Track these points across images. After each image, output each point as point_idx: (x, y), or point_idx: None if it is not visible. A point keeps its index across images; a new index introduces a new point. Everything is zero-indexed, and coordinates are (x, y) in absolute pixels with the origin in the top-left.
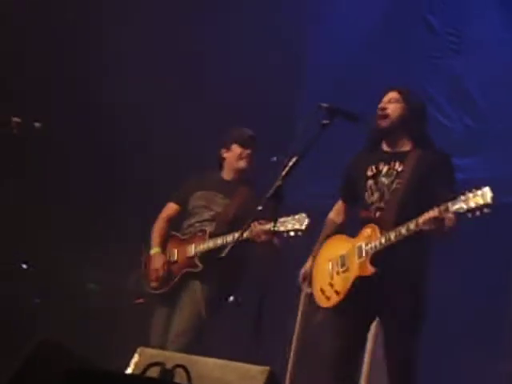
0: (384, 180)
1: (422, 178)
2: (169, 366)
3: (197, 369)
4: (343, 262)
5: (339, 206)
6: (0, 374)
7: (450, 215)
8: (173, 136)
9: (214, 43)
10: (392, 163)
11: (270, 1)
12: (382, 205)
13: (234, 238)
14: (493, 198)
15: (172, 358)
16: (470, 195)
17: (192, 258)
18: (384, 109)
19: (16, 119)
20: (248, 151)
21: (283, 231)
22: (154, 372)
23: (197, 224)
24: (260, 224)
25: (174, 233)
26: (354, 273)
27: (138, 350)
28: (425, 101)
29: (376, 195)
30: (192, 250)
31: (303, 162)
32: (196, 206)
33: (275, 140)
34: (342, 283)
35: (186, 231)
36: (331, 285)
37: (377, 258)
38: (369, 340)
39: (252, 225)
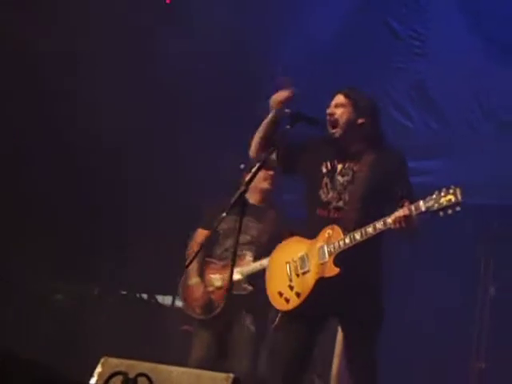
0: (340, 179)
1: (379, 179)
2: (132, 375)
3: (160, 377)
4: (303, 263)
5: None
6: None
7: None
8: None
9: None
10: (347, 163)
11: (236, 4)
12: (340, 204)
13: None
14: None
15: (135, 366)
16: (442, 194)
17: (239, 281)
18: (332, 114)
19: None
20: (270, 173)
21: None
22: (116, 381)
23: (231, 248)
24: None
25: (208, 259)
26: (315, 274)
27: (102, 359)
28: (374, 97)
29: (332, 194)
30: (238, 273)
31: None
32: (226, 230)
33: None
34: (303, 285)
35: (222, 256)
36: (291, 287)
37: (339, 258)
38: (337, 342)
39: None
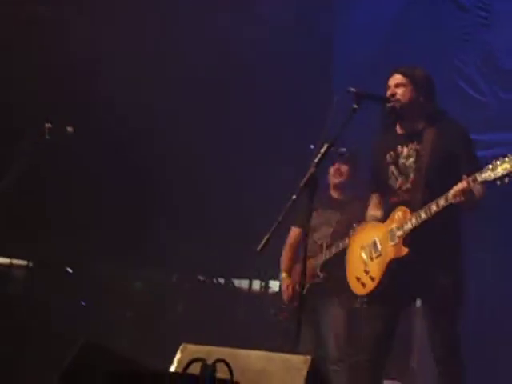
0: (405, 162)
1: (442, 154)
2: (210, 361)
3: (239, 362)
4: (376, 247)
5: (374, 199)
6: (45, 377)
7: (478, 186)
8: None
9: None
10: (410, 144)
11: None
12: (408, 186)
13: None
14: None
15: (214, 352)
16: (498, 163)
17: (314, 270)
18: (393, 94)
19: (48, 125)
20: (336, 167)
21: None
22: (196, 367)
23: (318, 241)
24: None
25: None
26: (387, 256)
27: (181, 346)
28: (444, 83)
29: (400, 179)
30: (313, 263)
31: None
32: (316, 225)
33: (309, 127)
34: (377, 268)
35: (310, 249)
36: (366, 271)
37: (410, 238)
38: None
39: None
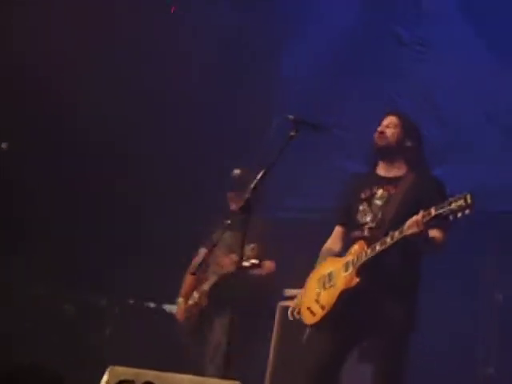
0: (378, 202)
1: (413, 201)
2: (138, 383)
3: None
4: (330, 278)
5: (336, 232)
6: None
7: (435, 230)
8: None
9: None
10: (386, 187)
11: (246, 15)
12: (373, 225)
13: None
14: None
15: (142, 375)
16: (452, 199)
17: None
18: (382, 132)
19: None
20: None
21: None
22: None
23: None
24: None
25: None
26: (339, 287)
27: (108, 368)
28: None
29: (369, 217)
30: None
31: (280, 177)
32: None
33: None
34: (328, 298)
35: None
36: (317, 301)
37: (364, 269)
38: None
39: None
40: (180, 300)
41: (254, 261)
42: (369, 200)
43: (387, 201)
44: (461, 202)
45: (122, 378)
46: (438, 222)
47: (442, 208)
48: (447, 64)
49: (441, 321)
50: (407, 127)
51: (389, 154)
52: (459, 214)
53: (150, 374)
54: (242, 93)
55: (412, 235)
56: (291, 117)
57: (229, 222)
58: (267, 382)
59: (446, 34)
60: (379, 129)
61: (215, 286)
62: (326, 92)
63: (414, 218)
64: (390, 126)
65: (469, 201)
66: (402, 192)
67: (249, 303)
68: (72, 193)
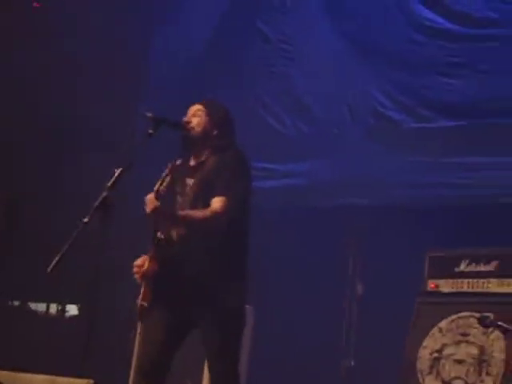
0: (189, 192)
1: (204, 183)
2: None
3: None
4: None
5: None
6: None
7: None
8: None
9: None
10: (194, 175)
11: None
12: None
13: None
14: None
15: None
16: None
17: None
18: (188, 122)
19: None
20: None
21: None
22: None
23: None
24: None
25: None
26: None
27: None
28: (248, 114)
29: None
30: None
31: (144, 175)
32: None
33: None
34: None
35: None
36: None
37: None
38: None
39: None
40: None
41: None
42: (182, 192)
43: (194, 188)
44: (169, 166)
45: None
46: None
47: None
48: (311, 62)
49: (302, 312)
50: (214, 115)
51: (194, 144)
52: (161, 185)
53: (3, 374)
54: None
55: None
56: (150, 114)
57: (86, 220)
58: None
59: (309, 32)
60: (185, 118)
61: None
62: (190, 91)
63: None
64: (196, 114)
65: (166, 171)
66: (203, 174)
67: None
68: None
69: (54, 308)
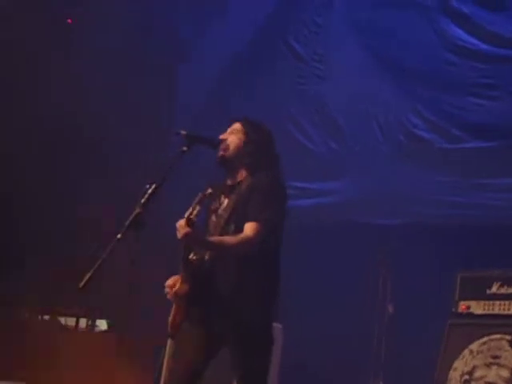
0: (222, 213)
1: (242, 200)
2: None
3: None
4: None
5: None
6: None
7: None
8: None
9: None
10: (230, 195)
11: (143, 16)
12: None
13: None
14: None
15: None
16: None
17: None
18: (224, 140)
19: None
20: None
21: None
22: None
23: None
24: None
25: None
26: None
27: None
28: (278, 131)
29: (215, 228)
30: None
31: (177, 191)
32: None
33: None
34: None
35: None
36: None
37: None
38: None
39: None
40: None
41: None
42: (216, 211)
43: (227, 209)
44: (200, 195)
45: None
46: None
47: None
48: (343, 80)
49: (331, 331)
50: (249, 132)
51: (230, 163)
52: (193, 213)
53: None
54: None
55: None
56: (183, 132)
57: (119, 236)
58: None
59: (341, 51)
60: (222, 136)
61: None
62: (221, 109)
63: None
64: (233, 132)
65: (207, 191)
66: (237, 196)
67: None
68: None
69: (83, 322)
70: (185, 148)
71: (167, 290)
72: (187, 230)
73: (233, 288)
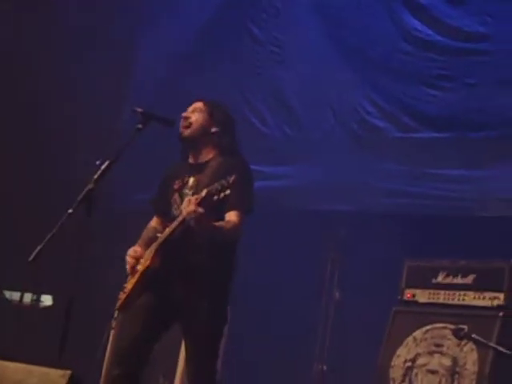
0: (187, 192)
1: (214, 179)
2: None
3: None
4: (139, 262)
5: (153, 222)
6: None
7: (200, 209)
8: None
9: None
10: (196, 175)
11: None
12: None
13: None
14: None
15: None
16: (223, 181)
17: None
18: (187, 118)
19: None
20: None
21: None
22: None
23: None
24: None
25: None
26: (142, 266)
27: None
28: (233, 114)
29: (180, 208)
30: None
31: (131, 169)
32: None
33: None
34: (132, 280)
35: None
36: (124, 287)
37: (163, 252)
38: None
39: None
40: None
41: None
42: (180, 190)
43: (195, 190)
44: (223, 182)
45: None
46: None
47: (213, 189)
48: (299, 66)
49: (278, 314)
50: (213, 112)
51: (194, 141)
52: (221, 194)
53: None
54: (95, 82)
55: (189, 216)
56: (139, 109)
57: (71, 210)
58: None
59: (298, 36)
60: (184, 114)
61: None
62: (176, 89)
63: (185, 202)
64: (195, 110)
65: (230, 180)
66: (208, 176)
67: None
68: None
69: (28, 297)
70: (140, 125)
71: (131, 260)
72: (202, 210)
73: (199, 264)
